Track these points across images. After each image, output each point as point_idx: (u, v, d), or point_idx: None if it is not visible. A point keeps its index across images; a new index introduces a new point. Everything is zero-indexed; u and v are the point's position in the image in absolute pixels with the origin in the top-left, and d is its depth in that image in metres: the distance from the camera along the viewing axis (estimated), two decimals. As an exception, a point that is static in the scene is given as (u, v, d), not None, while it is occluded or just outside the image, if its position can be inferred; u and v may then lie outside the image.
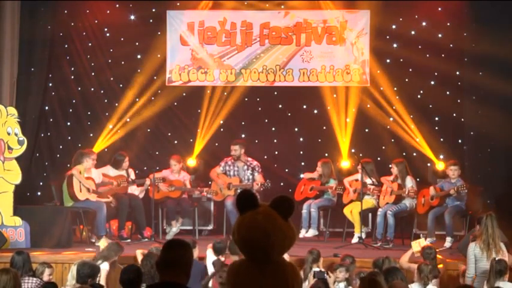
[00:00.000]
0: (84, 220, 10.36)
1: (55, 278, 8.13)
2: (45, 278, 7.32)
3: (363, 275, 6.95)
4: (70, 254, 9.03)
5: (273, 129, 12.40)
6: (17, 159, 9.96)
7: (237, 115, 12.23)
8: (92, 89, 12.41)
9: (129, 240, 10.47)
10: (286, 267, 3.99)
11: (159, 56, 12.28)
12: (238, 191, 10.72)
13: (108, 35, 12.43)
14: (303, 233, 10.65)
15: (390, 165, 10.66)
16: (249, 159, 11.18)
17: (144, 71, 12.23)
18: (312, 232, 10.73)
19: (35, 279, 7.21)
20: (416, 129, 11.79)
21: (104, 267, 7.64)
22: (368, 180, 10.31)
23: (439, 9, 11.95)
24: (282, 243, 3.98)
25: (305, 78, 12.13)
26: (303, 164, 12.12)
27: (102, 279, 7.42)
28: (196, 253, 8.07)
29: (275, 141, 12.36)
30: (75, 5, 12.31)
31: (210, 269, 7.83)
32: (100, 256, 7.90)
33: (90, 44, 12.40)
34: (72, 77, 12.39)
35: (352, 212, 10.64)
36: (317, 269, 7.65)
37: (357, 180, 10.69)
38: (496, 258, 7.29)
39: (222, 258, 8.00)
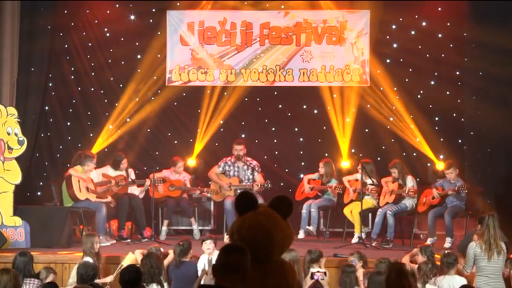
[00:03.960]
0: (84, 220, 10.36)
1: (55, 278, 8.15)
2: None
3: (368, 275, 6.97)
4: (70, 254, 9.02)
5: (273, 129, 12.41)
6: (17, 159, 9.96)
7: (237, 115, 12.23)
8: (92, 89, 12.41)
9: (129, 240, 10.48)
10: (286, 267, 4.01)
11: (159, 56, 12.28)
12: (238, 191, 10.73)
13: (108, 35, 12.43)
14: (301, 234, 10.63)
15: (390, 170, 10.61)
16: (249, 159, 11.17)
17: (144, 71, 12.24)
18: (312, 228, 10.71)
19: (36, 280, 7.21)
20: (416, 129, 11.79)
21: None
22: (368, 181, 10.30)
23: (439, 9, 11.97)
24: (283, 242, 4.00)
25: (305, 78, 12.14)
26: (303, 164, 12.13)
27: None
28: (191, 253, 8.13)
29: (275, 141, 12.36)
30: (75, 5, 12.31)
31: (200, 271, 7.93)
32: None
33: (90, 44, 12.40)
34: (72, 77, 12.39)
35: (352, 212, 10.64)
36: (315, 270, 7.65)
37: (356, 179, 10.69)
38: (445, 252, 7.55)
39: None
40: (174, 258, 8.13)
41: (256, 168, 11.04)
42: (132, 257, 8.19)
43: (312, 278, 7.47)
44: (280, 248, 3.99)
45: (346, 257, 8.54)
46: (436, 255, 8.03)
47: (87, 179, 10.37)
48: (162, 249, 8.35)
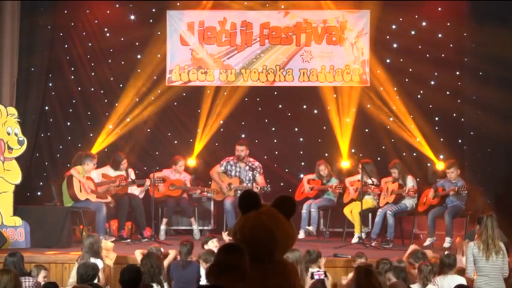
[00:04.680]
0: (84, 220, 10.36)
1: (55, 278, 8.15)
2: (40, 279, 7.33)
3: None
4: (70, 254, 9.01)
5: (273, 129, 12.41)
6: (17, 159, 9.96)
7: (237, 115, 12.23)
8: (92, 89, 12.41)
9: (129, 240, 10.48)
10: (288, 267, 4.01)
11: (159, 56, 12.28)
12: (239, 192, 10.72)
13: (108, 35, 12.43)
14: (301, 234, 10.62)
15: (390, 170, 10.60)
16: (251, 159, 11.17)
17: (144, 71, 12.24)
18: (312, 228, 10.71)
19: (31, 278, 7.22)
20: (416, 129, 11.79)
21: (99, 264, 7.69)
22: (369, 181, 10.31)
23: (439, 9, 11.97)
24: (286, 242, 4.00)
25: (305, 78, 12.14)
26: (303, 164, 12.13)
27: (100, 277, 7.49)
28: (193, 253, 8.12)
29: (275, 141, 12.36)
30: (75, 5, 12.30)
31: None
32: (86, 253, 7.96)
33: (90, 44, 12.40)
34: (72, 77, 12.39)
35: (352, 212, 10.64)
36: (315, 270, 7.64)
37: (358, 180, 10.68)
38: (445, 253, 7.53)
39: None
40: (180, 258, 8.10)
41: (258, 170, 11.03)
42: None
43: (311, 277, 7.47)
44: (283, 248, 3.99)
45: (347, 257, 8.53)
46: (428, 254, 8.04)
47: (87, 182, 10.35)
48: (162, 249, 8.34)
